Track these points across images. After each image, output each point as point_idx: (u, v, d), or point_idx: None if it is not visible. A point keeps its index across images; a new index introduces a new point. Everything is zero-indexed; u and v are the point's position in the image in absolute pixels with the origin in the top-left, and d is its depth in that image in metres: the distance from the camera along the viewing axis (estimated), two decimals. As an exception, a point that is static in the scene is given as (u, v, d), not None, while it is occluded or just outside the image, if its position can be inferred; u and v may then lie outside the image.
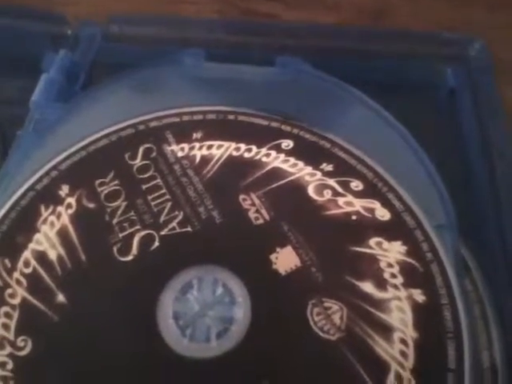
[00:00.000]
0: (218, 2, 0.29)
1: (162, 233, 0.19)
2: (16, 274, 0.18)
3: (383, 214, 0.19)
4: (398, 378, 0.16)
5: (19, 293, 0.18)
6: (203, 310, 0.17)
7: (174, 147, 0.21)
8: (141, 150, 0.21)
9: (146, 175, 0.20)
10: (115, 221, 0.19)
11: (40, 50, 0.24)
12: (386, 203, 0.19)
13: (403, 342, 0.17)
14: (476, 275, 0.21)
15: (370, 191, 0.20)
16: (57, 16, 0.26)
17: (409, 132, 0.21)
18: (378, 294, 0.18)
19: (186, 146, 0.21)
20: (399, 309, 0.17)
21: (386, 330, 0.17)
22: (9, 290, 0.18)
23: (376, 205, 0.19)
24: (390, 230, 0.19)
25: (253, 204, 0.19)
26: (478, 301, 0.20)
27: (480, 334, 0.19)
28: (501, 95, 0.24)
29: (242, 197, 0.20)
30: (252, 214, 0.19)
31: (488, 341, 0.19)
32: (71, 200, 0.20)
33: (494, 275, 0.21)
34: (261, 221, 0.19)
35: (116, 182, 0.20)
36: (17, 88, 0.25)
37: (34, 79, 0.23)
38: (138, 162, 0.20)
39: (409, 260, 0.18)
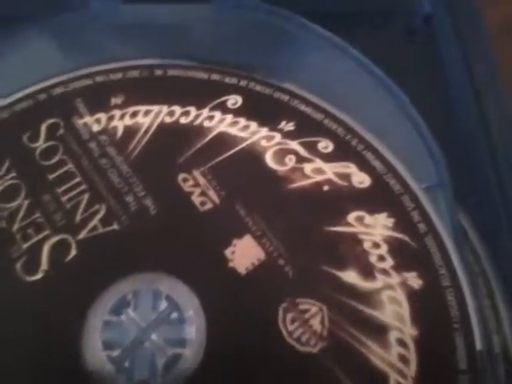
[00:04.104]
0: None
1: (80, 236, 0.15)
2: None
3: (361, 179, 0.16)
4: (400, 390, 0.13)
5: None
6: (143, 334, 0.14)
7: (88, 119, 0.17)
8: (43, 127, 0.17)
9: (52, 161, 0.16)
10: (16, 227, 0.15)
11: None
12: (364, 165, 0.17)
13: (401, 343, 0.14)
14: (474, 238, 0.18)
15: (343, 152, 0.17)
16: None
17: (381, 69, 0.18)
18: (364, 284, 0.15)
19: (102, 115, 0.17)
20: (392, 300, 0.15)
21: (378, 331, 0.14)
22: None
23: (352, 169, 0.17)
24: (372, 200, 0.16)
25: (197, 185, 0.16)
26: (480, 272, 0.17)
27: (488, 317, 0.15)
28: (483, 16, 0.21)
29: (181, 177, 0.16)
30: (197, 199, 0.16)
31: (497, 322, 0.16)
32: (-45, 204, 0.15)
33: (495, 237, 0.18)
34: (209, 205, 0.15)
35: (13, 175, 0.16)
36: None
37: None
38: (40, 143, 0.17)
39: (398, 235, 0.16)
